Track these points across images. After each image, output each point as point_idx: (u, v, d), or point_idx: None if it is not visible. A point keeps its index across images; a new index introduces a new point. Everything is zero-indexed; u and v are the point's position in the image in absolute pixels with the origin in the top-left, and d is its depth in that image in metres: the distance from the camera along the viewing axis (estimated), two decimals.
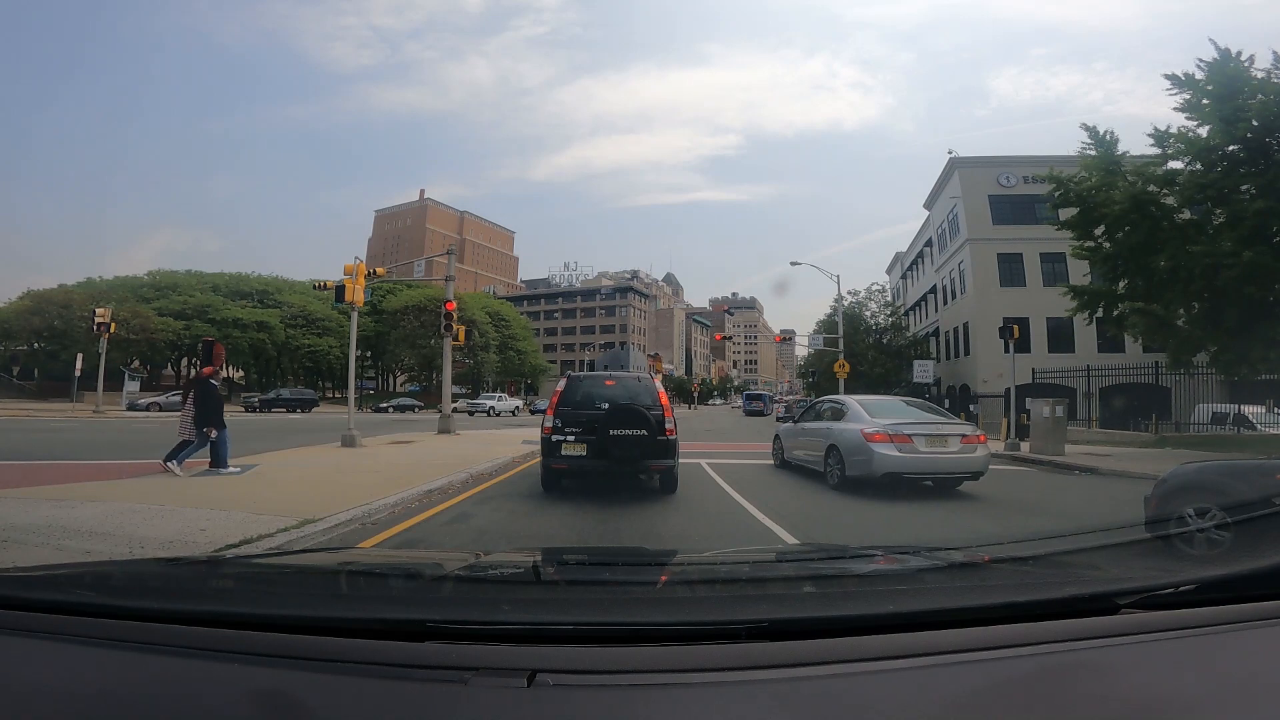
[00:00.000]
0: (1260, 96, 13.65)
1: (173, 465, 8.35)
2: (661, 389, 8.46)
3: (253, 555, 4.07)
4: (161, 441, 16.04)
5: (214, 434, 8.60)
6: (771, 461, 12.04)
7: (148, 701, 0.88)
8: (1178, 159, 15.68)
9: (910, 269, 47.22)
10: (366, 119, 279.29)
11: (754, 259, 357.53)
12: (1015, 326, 17.32)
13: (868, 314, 40.38)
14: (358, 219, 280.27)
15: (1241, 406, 18.59)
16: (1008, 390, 17.56)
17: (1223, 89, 14.06)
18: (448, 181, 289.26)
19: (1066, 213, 17.45)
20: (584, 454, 7.73)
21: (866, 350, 36.96)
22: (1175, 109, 14.94)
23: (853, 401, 9.96)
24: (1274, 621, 1.02)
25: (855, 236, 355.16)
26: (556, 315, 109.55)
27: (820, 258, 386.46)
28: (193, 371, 51.00)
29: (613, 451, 7.56)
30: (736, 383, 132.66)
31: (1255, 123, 13.81)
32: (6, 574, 1.49)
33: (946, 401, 27.59)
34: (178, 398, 36.85)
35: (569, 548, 4.87)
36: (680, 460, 8.32)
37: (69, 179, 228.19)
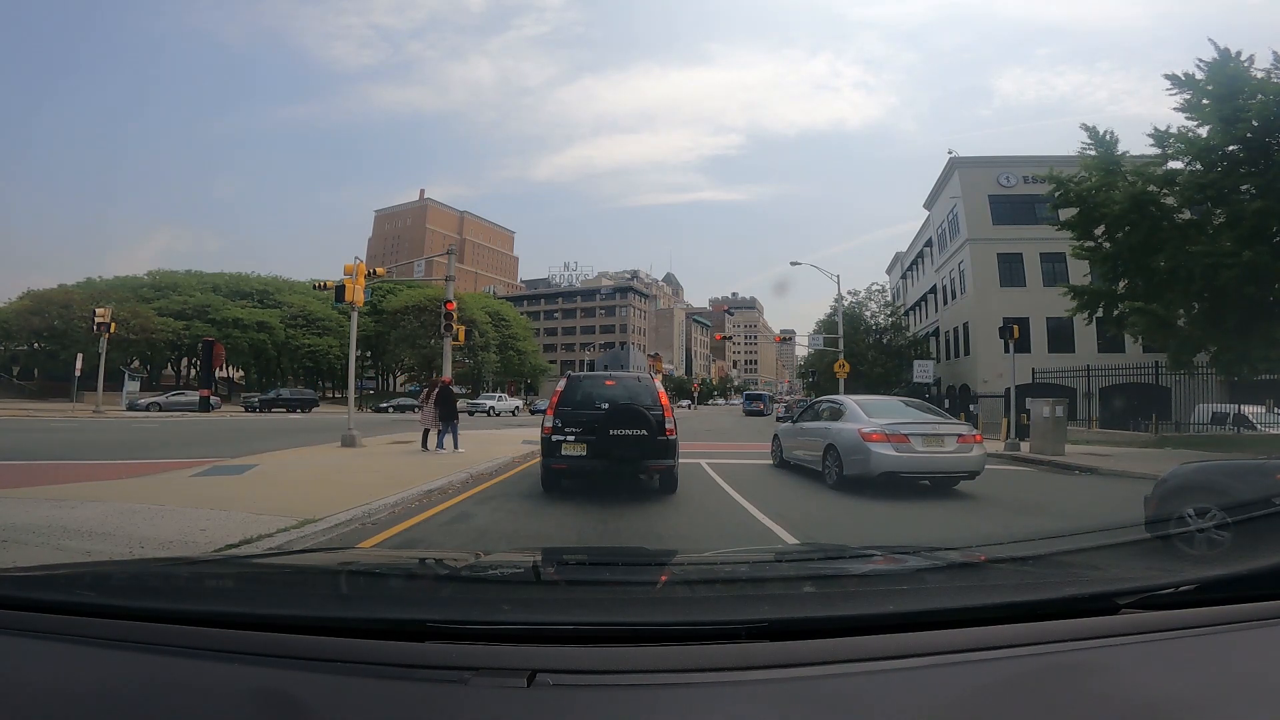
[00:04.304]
0: (1260, 96, 13.63)
1: (436, 449, 12.36)
2: (661, 389, 8.46)
3: (252, 555, 4.07)
4: (162, 441, 16.10)
5: (448, 424, 12.61)
6: (770, 461, 12.05)
7: (148, 701, 0.88)
8: (1178, 159, 15.67)
9: (910, 269, 47.22)
10: (367, 119, 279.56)
11: (754, 259, 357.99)
12: (1015, 326, 17.31)
13: (868, 314, 40.40)
14: (358, 219, 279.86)
15: (1241, 406, 18.58)
16: (1008, 390, 17.56)
17: (1223, 89, 14.05)
18: (448, 181, 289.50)
19: (1066, 213, 17.45)
20: (584, 454, 7.73)
21: (866, 350, 36.96)
22: (1175, 109, 14.96)
23: (850, 401, 9.97)
24: (1274, 621, 1.02)
25: (855, 236, 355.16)
26: (556, 315, 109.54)
27: (820, 258, 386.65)
28: (193, 372, 51.28)
29: (613, 451, 7.56)
30: (736, 383, 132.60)
31: (1255, 123, 13.80)
32: (6, 574, 1.49)
33: (946, 401, 27.56)
34: (179, 397, 37.29)
35: (569, 548, 4.87)
36: (680, 460, 8.32)
37: (69, 179, 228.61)
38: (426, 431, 12.74)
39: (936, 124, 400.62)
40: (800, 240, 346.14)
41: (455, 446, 12.68)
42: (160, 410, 34.40)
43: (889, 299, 43.08)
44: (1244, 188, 14.44)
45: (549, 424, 7.96)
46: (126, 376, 38.16)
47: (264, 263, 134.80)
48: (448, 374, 20.47)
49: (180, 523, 5.47)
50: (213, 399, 38.24)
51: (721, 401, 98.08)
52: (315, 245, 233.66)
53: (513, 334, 64.86)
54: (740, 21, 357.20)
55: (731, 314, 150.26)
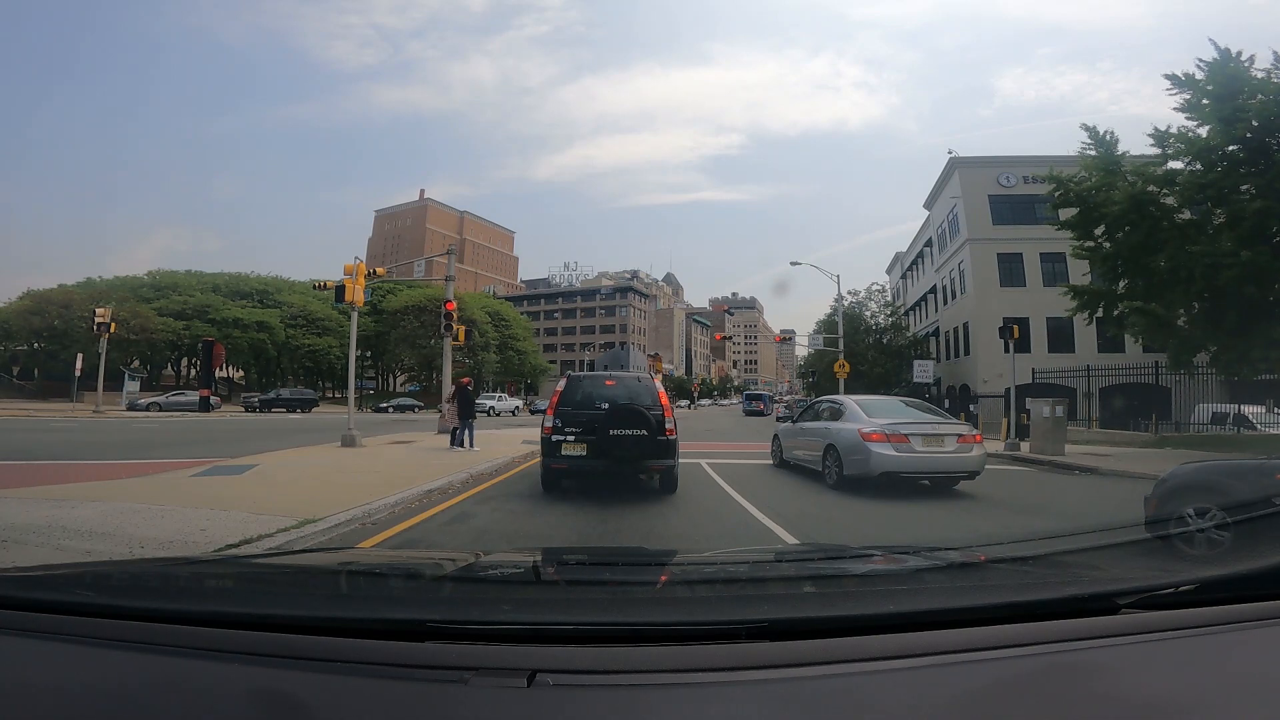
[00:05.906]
0: (1260, 96, 13.63)
1: (462, 448, 12.93)
2: (661, 389, 8.46)
3: (252, 555, 4.07)
4: (162, 441, 16.10)
5: (464, 422, 13.41)
6: (770, 461, 12.05)
7: (148, 701, 0.88)
8: (1178, 159, 15.66)
9: (910, 269, 47.20)
10: (368, 118, 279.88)
11: (754, 259, 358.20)
12: (1015, 326, 17.32)
13: (868, 314, 40.39)
14: (358, 219, 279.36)
15: (1241, 406, 18.57)
16: (1008, 390, 17.56)
17: (1222, 89, 14.04)
18: (449, 181, 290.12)
19: (1066, 213, 17.43)
20: (584, 454, 7.73)
21: (866, 350, 36.96)
22: (1175, 109, 14.95)
23: (850, 401, 9.97)
24: (1274, 621, 1.02)
25: (855, 236, 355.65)
26: (556, 315, 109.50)
27: (820, 258, 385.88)
28: (193, 372, 51.31)
29: (613, 451, 7.56)
30: (736, 383, 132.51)
31: (1255, 123, 13.79)
32: (6, 574, 1.49)
33: (946, 401, 27.57)
34: (179, 397, 37.31)
35: (569, 548, 4.87)
36: (680, 460, 8.32)
37: (69, 179, 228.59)
38: (455, 430, 13.54)
39: (937, 124, 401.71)
40: (800, 240, 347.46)
41: (457, 443, 13.27)
42: (160, 410, 34.40)
43: (889, 299, 43.08)
44: (1244, 188, 14.42)
45: (549, 424, 7.95)
46: (126, 376, 38.19)
47: (264, 263, 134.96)
48: (448, 374, 20.72)
49: (180, 523, 5.47)
50: (213, 399, 38.25)
51: (707, 402, 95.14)
52: (315, 245, 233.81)
53: (513, 334, 64.83)
54: (741, 21, 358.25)
55: (731, 314, 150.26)
